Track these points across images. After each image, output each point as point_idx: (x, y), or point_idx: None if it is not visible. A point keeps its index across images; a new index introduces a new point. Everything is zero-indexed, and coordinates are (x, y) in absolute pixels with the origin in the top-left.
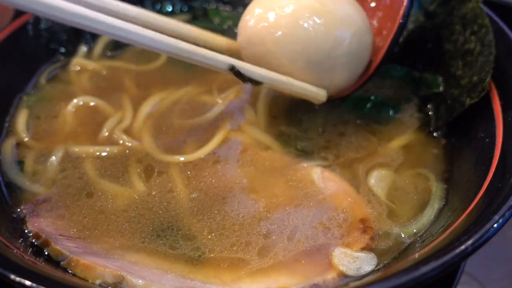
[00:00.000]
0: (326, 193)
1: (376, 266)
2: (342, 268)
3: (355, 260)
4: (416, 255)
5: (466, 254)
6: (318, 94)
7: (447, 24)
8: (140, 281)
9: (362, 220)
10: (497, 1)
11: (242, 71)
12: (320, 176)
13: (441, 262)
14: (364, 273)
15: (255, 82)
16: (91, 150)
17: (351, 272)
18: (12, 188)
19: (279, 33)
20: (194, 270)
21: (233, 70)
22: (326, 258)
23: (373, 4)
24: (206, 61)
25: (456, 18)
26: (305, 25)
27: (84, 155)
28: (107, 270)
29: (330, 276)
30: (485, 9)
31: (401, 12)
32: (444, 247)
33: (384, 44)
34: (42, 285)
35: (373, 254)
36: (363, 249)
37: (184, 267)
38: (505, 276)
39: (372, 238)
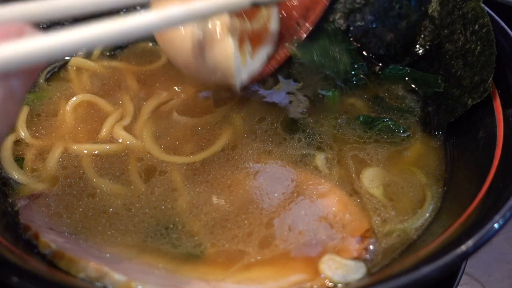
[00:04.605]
0: (327, 187)
1: (372, 268)
2: (328, 273)
3: (343, 267)
4: (416, 255)
5: (466, 255)
6: None
7: (447, 23)
8: (122, 277)
9: (363, 231)
10: (498, 0)
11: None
12: (324, 162)
13: (442, 263)
14: (351, 280)
15: None
16: (90, 148)
17: (337, 278)
18: (10, 184)
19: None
20: (184, 268)
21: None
22: (314, 262)
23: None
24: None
25: (456, 17)
26: None
27: (83, 153)
28: (90, 263)
29: (318, 280)
30: (486, 9)
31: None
32: (444, 247)
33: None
34: (20, 279)
35: (362, 263)
36: (355, 259)
37: (172, 265)
38: (506, 276)
39: (366, 249)
